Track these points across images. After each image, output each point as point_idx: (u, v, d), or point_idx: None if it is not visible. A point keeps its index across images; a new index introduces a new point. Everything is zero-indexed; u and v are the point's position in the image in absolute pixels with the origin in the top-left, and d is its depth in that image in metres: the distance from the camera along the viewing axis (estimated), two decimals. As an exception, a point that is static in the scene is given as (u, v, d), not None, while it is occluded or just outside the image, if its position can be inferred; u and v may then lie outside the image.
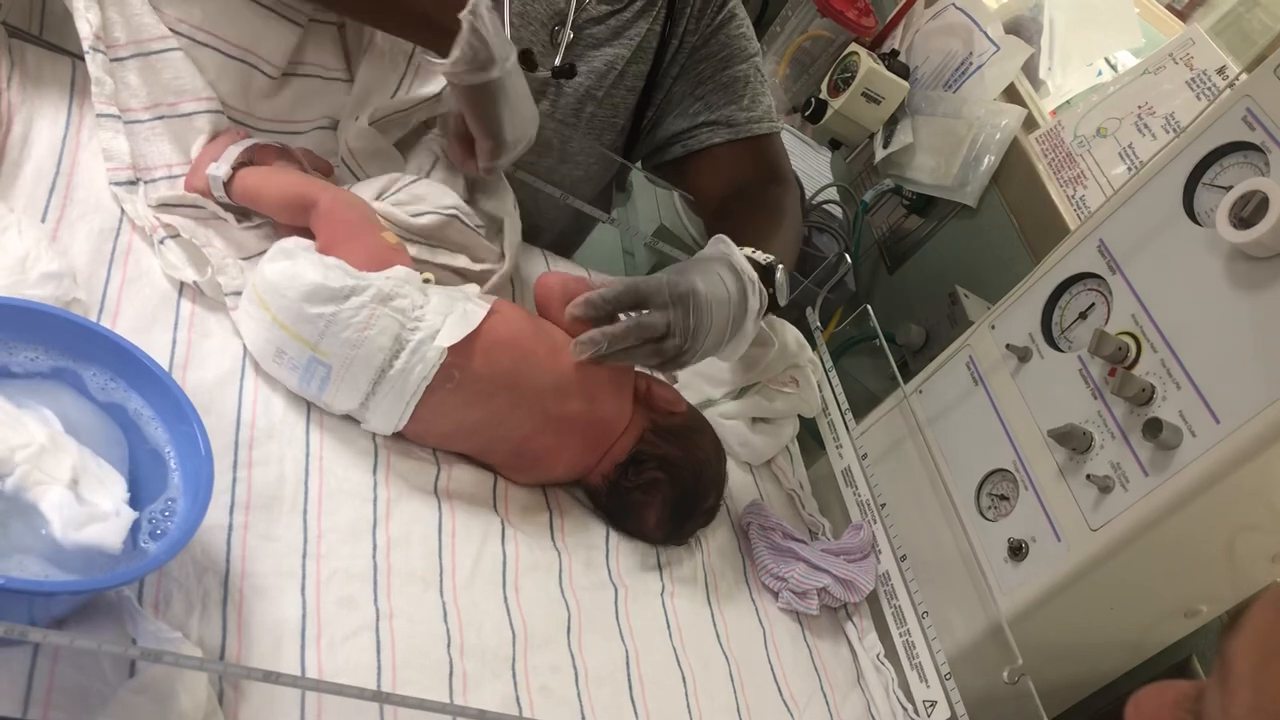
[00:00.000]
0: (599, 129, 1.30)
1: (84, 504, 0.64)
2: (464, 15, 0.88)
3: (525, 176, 1.17)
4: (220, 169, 0.92)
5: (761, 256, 1.07)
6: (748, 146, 1.30)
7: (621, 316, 0.97)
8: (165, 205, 0.93)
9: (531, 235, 1.27)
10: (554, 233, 1.40)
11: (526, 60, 1.17)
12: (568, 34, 1.20)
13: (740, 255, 1.03)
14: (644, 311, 0.95)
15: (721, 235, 1.05)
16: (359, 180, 1.04)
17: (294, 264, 0.85)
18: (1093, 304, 1.06)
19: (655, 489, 1.00)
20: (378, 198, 0.99)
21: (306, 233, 0.93)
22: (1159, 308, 0.98)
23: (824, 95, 1.79)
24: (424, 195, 1.00)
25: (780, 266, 1.08)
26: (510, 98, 0.96)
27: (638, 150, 1.38)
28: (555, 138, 1.27)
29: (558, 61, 1.20)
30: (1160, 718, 0.45)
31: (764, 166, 1.30)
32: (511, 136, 0.98)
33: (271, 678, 0.57)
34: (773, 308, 1.08)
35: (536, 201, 1.25)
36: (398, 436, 0.91)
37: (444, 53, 0.90)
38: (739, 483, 1.17)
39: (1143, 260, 1.01)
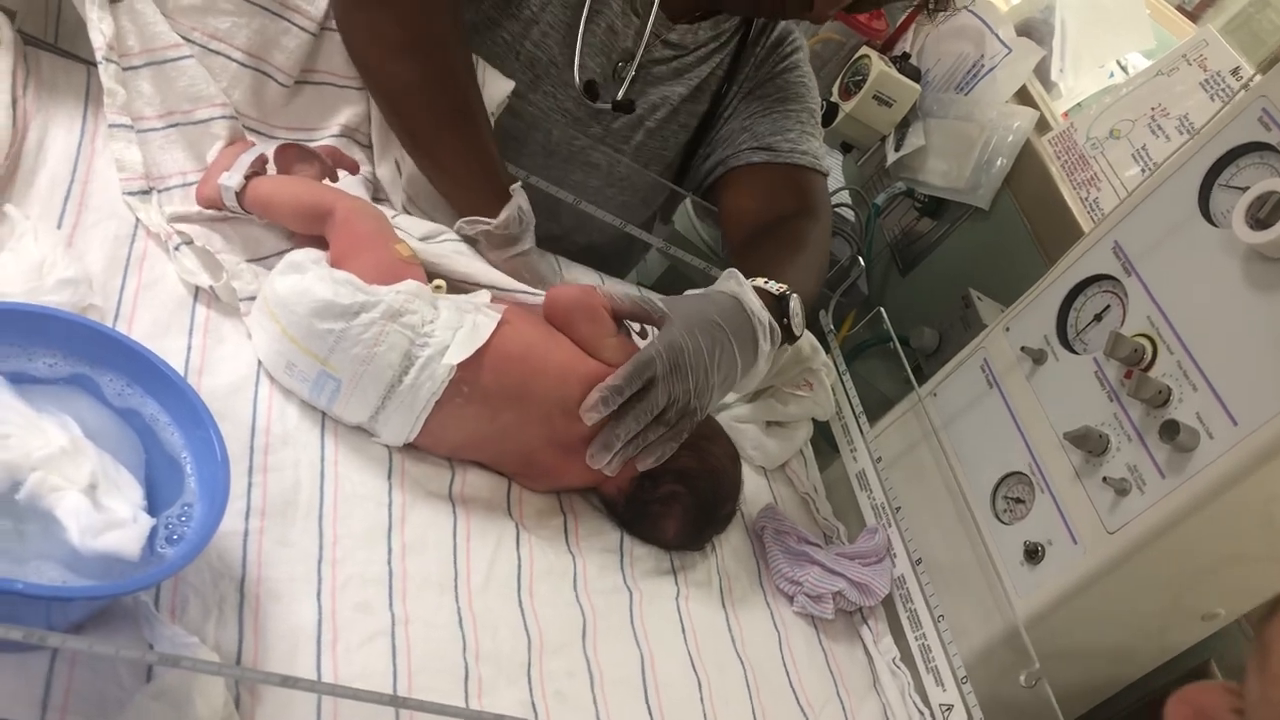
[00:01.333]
0: (646, 159, 1.30)
1: (102, 510, 0.64)
2: (515, 187, 1.04)
3: (562, 193, 1.17)
4: (233, 179, 0.92)
5: (774, 287, 1.06)
6: (785, 174, 1.27)
7: None
8: (179, 218, 0.93)
9: (573, 255, 1.28)
10: (596, 254, 1.40)
11: (590, 90, 1.18)
12: (632, 71, 1.21)
13: (751, 294, 1.01)
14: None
15: (733, 270, 1.04)
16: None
17: (304, 279, 0.85)
18: (1108, 306, 1.06)
19: (674, 501, 1.00)
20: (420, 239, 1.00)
21: (321, 240, 0.93)
22: (1175, 309, 0.98)
23: (835, 98, 1.79)
24: (464, 253, 1.02)
25: (794, 296, 1.06)
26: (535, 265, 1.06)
27: (686, 184, 1.39)
28: (603, 160, 1.28)
29: (619, 96, 1.21)
30: (1204, 711, 0.44)
31: (798, 198, 1.27)
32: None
33: (289, 682, 0.57)
34: (787, 338, 1.07)
35: (578, 220, 1.25)
36: (410, 445, 0.91)
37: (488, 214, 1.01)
38: (753, 487, 1.17)
39: (1158, 262, 1.01)
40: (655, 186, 1.35)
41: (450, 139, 1.03)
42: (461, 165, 1.04)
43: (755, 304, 1.00)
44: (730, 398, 1.18)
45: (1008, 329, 1.15)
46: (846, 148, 1.87)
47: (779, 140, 1.27)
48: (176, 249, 0.90)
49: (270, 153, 0.95)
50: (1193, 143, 1.01)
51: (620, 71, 1.22)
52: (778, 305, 1.05)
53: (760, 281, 1.05)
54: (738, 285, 1.01)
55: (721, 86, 1.30)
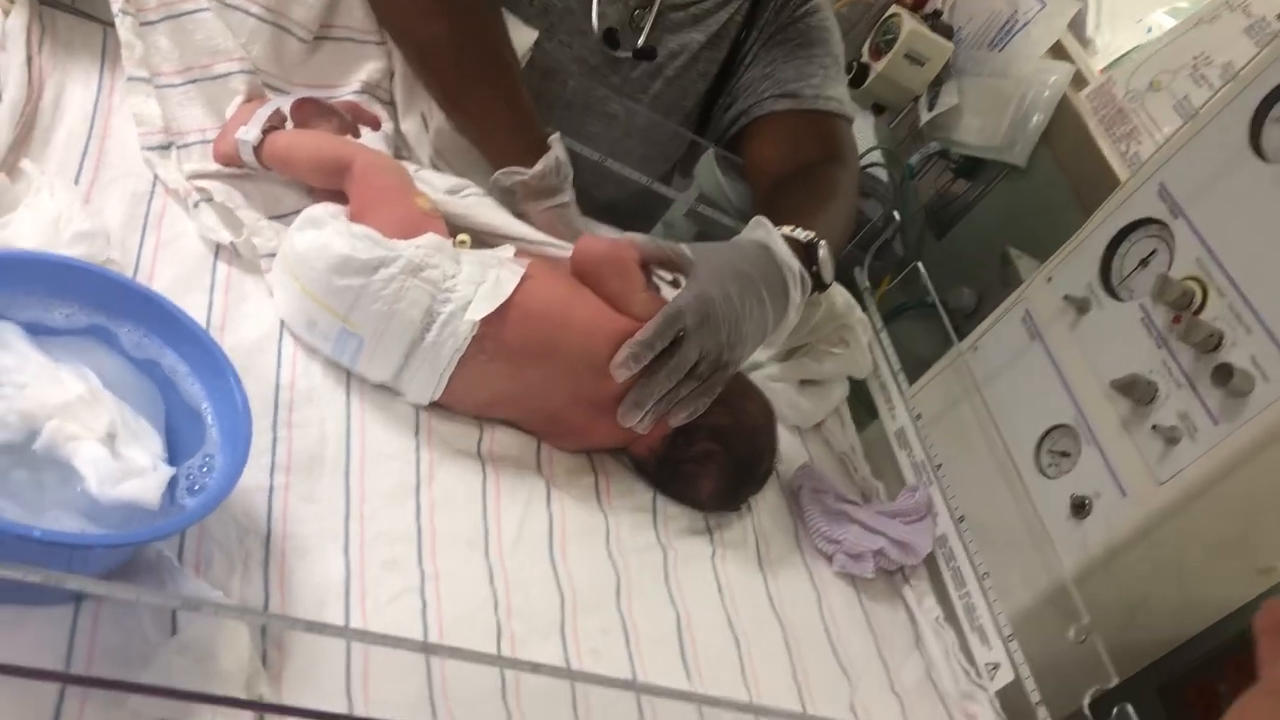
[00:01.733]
0: (665, 109, 1.27)
1: (120, 459, 0.63)
2: (553, 138, 1.02)
3: (581, 148, 1.15)
4: (250, 133, 0.90)
5: (801, 234, 1.03)
6: (810, 120, 1.24)
7: None
8: (198, 175, 0.92)
9: (591, 213, 1.25)
10: (615, 212, 1.37)
11: (610, 39, 1.16)
12: (651, 17, 1.18)
13: (780, 241, 0.98)
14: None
15: (760, 218, 1.01)
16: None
17: (321, 234, 0.83)
18: (1154, 250, 1.02)
19: (709, 460, 0.97)
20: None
21: (339, 196, 0.91)
22: (1226, 250, 0.94)
23: (865, 59, 1.75)
24: (490, 214, 0.99)
25: (823, 243, 1.03)
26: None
27: (707, 136, 1.35)
28: (621, 111, 1.25)
29: (640, 43, 1.18)
30: None
31: (824, 145, 1.24)
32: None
33: (315, 628, 0.55)
34: (817, 287, 1.04)
35: (598, 176, 1.23)
36: (436, 403, 0.89)
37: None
38: (788, 447, 1.14)
39: (1207, 202, 0.97)
40: (675, 138, 1.32)
41: (483, 91, 1.01)
42: (495, 117, 1.03)
43: (784, 252, 0.97)
44: (761, 354, 1.15)
45: (1050, 279, 1.11)
46: (878, 109, 1.84)
47: (802, 86, 1.23)
48: (196, 206, 0.88)
49: (288, 108, 0.93)
50: (1243, 76, 0.97)
51: (638, 19, 1.19)
52: (805, 253, 1.02)
53: (787, 229, 1.02)
54: (766, 233, 0.99)
55: (741, 33, 1.26)
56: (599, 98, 1.23)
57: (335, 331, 0.84)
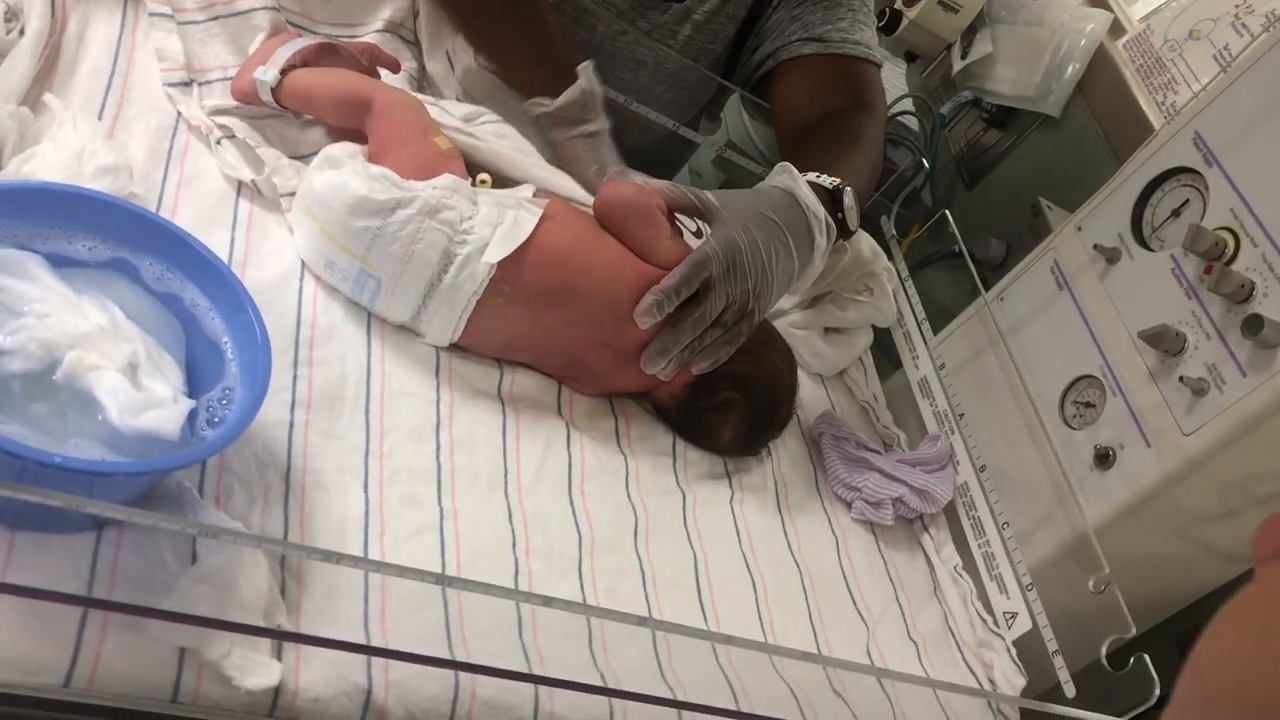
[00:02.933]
0: (694, 53, 1.25)
1: (141, 390, 0.63)
2: (583, 66, 0.99)
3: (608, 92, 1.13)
4: (268, 73, 0.89)
5: (827, 180, 1.01)
6: (837, 65, 1.22)
7: None
8: (219, 111, 0.91)
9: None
10: (642, 156, 1.35)
11: None
12: None
13: (805, 187, 0.97)
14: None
15: (786, 164, 1.00)
16: None
17: (339, 174, 0.83)
18: (1187, 200, 1.00)
19: (729, 408, 0.97)
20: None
21: (358, 136, 0.91)
22: (1261, 200, 0.92)
23: (899, 5, 1.72)
24: (506, 136, 0.98)
25: (848, 190, 1.02)
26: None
27: (734, 80, 1.33)
28: (650, 55, 1.23)
29: None
30: None
31: (852, 90, 1.22)
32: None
33: (332, 558, 0.56)
34: (842, 233, 1.03)
35: (623, 121, 1.21)
36: (455, 344, 0.89)
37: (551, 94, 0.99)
38: (810, 395, 1.14)
39: (1243, 151, 0.95)
40: (703, 82, 1.30)
41: (512, 22, 1.00)
42: (524, 48, 1.01)
43: (810, 198, 0.96)
44: (785, 301, 1.14)
45: (1079, 228, 1.10)
46: (910, 57, 1.80)
47: (830, 30, 1.21)
48: (218, 143, 0.88)
49: (306, 50, 0.92)
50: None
51: None
52: (831, 200, 1.00)
53: (813, 176, 1.00)
54: (791, 179, 0.97)
55: None
56: (628, 43, 1.22)
57: (354, 272, 0.84)
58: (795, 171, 0.98)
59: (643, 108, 1.16)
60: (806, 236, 0.96)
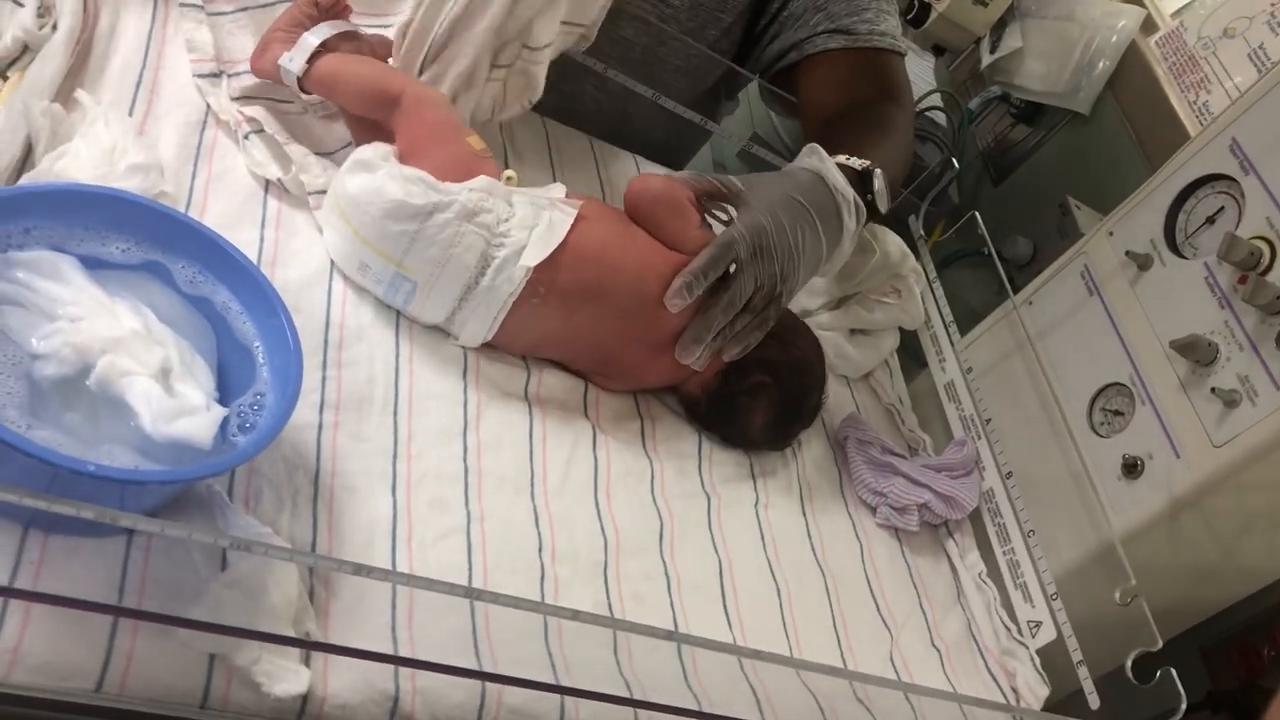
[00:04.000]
0: (701, 20, 1.22)
1: (175, 396, 0.63)
2: None
3: (617, 76, 1.12)
4: (294, 62, 0.87)
5: (856, 162, 1.01)
6: (864, 58, 1.20)
7: None
8: (246, 97, 0.91)
9: (623, 143, 1.22)
10: (648, 142, 1.33)
11: None
12: None
13: (834, 169, 0.97)
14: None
15: (814, 145, 0.99)
16: None
17: (374, 178, 0.82)
18: (1222, 207, 0.99)
19: (760, 392, 0.96)
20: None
21: (380, 130, 0.89)
22: (1298, 210, 0.91)
23: (928, -2, 1.70)
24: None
25: (878, 171, 1.01)
26: None
27: (750, 65, 1.31)
28: (654, 12, 1.19)
29: None
30: None
31: (879, 83, 1.20)
32: None
33: (362, 571, 0.56)
34: (872, 215, 1.02)
35: (626, 104, 1.20)
36: (485, 344, 0.89)
37: None
38: (836, 397, 1.13)
39: (1281, 159, 0.94)
40: (707, 63, 1.26)
41: None
42: None
43: (838, 179, 0.96)
44: (812, 301, 1.13)
45: (1111, 233, 1.09)
46: (939, 50, 1.79)
47: (856, 22, 1.19)
48: (246, 138, 0.88)
49: (330, 38, 0.90)
50: (1325, 29, 0.93)
51: None
52: (860, 182, 1.00)
53: (841, 158, 1.00)
54: (819, 161, 0.97)
55: None
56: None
57: (389, 275, 0.84)
58: (823, 153, 0.98)
59: (668, 103, 1.14)
60: (835, 218, 0.95)
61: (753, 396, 0.96)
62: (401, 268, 0.83)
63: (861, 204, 0.98)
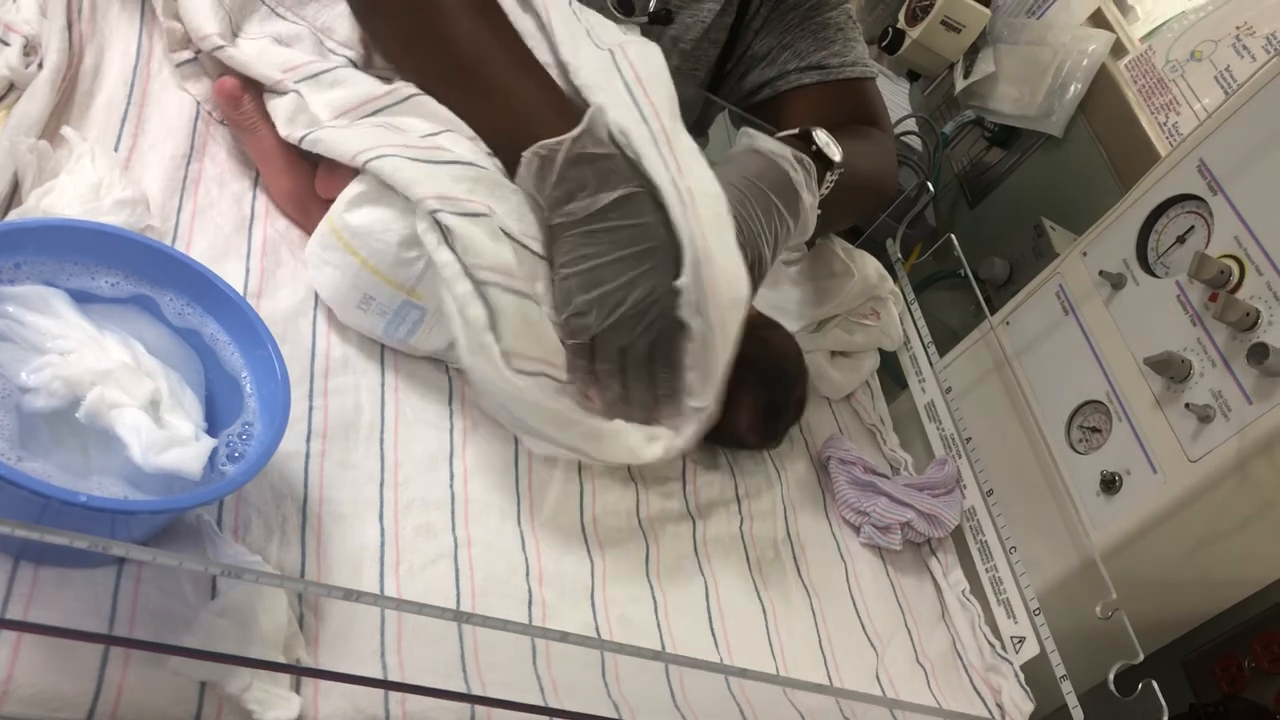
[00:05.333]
0: (682, 81, 1.25)
1: (164, 427, 0.64)
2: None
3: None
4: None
5: (789, 133, 0.99)
6: (840, 89, 1.22)
7: None
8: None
9: None
10: None
11: (624, 5, 1.14)
12: None
13: (765, 139, 0.95)
14: None
15: (744, 129, 0.98)
16: None
17: (379, 209, 0.83)
18: (1192, 227, 1.01)
19: (741, 387, 0.94)
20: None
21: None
22: (1265, 228, 0.93)
23: (901, 25, 1.73)
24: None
25: (817, 130, 0.99)
26: None
27: (720, 97, 1.34)
28: None
29: (653, 6, 1.16)
30: None
31: (856, 110, 1.22)
32: None
33: (352, 596, 0.57)
34: (826, 166, 0.99)
35: None
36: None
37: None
38: (817, 418, 1.15)
39: (1247, 179, 0.96)
40: (691, 103, 1.28)
41: (499, 54, 0.92)
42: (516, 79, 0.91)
43: (770, 144, 0.94)
44: (794, 325, 1.13)
45: (1085, 253, 1.11)
46: (913, 76, 1.82)
47: (825, 56, 1.21)
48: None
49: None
50: (1287, 51, 0.96)
51: None
52: (804, 143, 0.98)
53: (782, 135, 0.98)
54: (749, 139, 0.96)
55: None
56: None
57: (395, 305, 0.84)
58: (752, 131, 0.97)
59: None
60: (782, 182, 0.93)
61: (733, 392, 0.92)
62: (413, 295, 0.83)
63: (805, 158, 0.96)
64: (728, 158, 0.96)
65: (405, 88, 0.90)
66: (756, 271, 0.91)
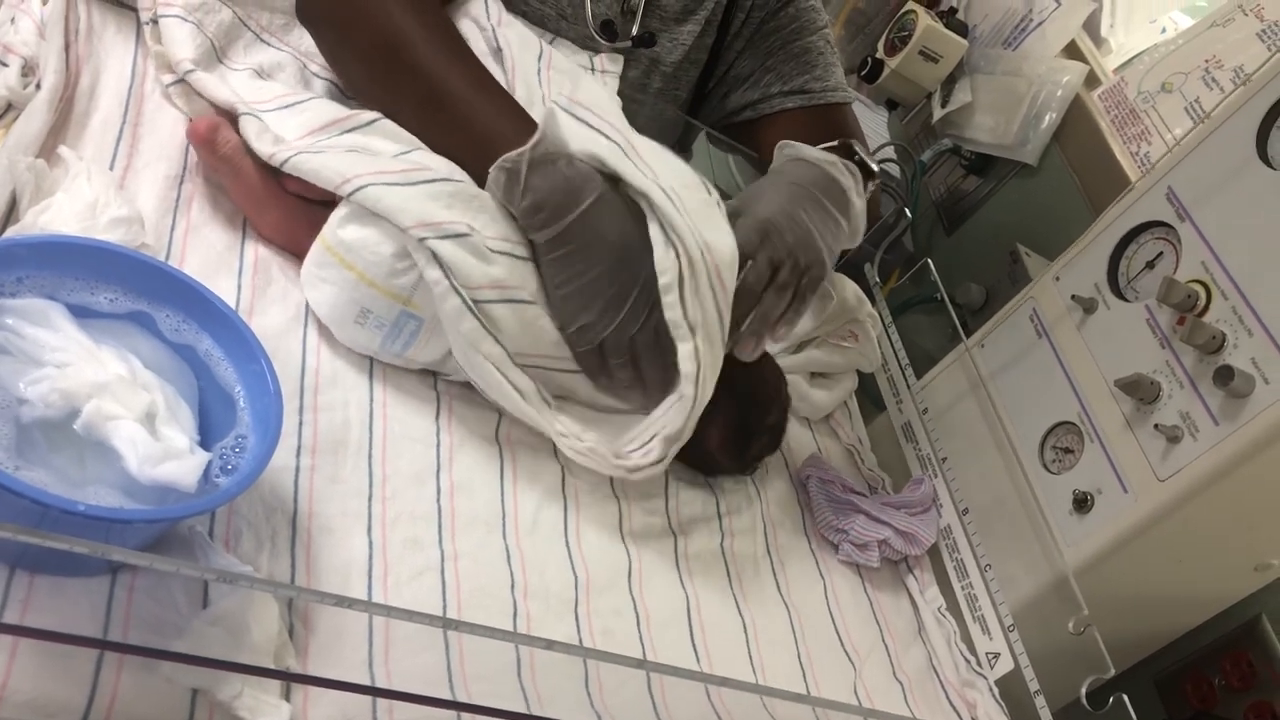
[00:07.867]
0: (663, 102, 1.28)
1: (159, 439, 0.65)
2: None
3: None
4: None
5: (829, 145, 1.06)
6: (821, 113, 1.26)
7: None
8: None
9: None
10: None
11: (608, 31, 1.17)
12: (643, 4, 1.19)
13: (807, 148, 1.02)
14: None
15: (782, 142, 1.04)
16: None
17: (371, 225, 0.85)
18: (1160, 253, 1.04)
19: (713, 406, 0.93)
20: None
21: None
22: (1230, 254, 0.96)
23: (880, 55, 1.77)
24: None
25: (854, 142, 1.07)
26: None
27: (700, 118, 1.37)
28: (624, 108, 1.26)
29: (635, 30, 1.19)
30: None
31: (837, 134, 1.22)
32: None
33: (344, 603, 0.58)
34: (868, 176, 1.07)
35: None
36: (464, 385, 0.92)
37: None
38: (797, 438, 1.17)
39: (1213, 206, 0.99)
40: (674, 123, 1.33)
41: (461, 79, 0.95)
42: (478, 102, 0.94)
43: (817, 153, 1.00)
44: (774, 346, 1.15)
45: (1057, 278, 1.13)
46: (892, 105, 1.85)
47: (808, 80, 1.25)
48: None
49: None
50: (1251, 84, 0.99)
51: (629, 4, 1.19)
52: (844, 156, 1.04)
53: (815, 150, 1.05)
54: (793, 149, 1.02)
55: (728, 14, 1.27)
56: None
57: (393, 317, 0.86)
58: (794, 143, 1.03)
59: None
60: (832, 186, 0.99)
61: (708, 409, 0.92)
62: (410, 305, 0.85)
63: (851, 165, 1.02)
64: (773, 169, 1.00)
65: (368, 113, 0.94)
66: (811, 255, 0.94)
